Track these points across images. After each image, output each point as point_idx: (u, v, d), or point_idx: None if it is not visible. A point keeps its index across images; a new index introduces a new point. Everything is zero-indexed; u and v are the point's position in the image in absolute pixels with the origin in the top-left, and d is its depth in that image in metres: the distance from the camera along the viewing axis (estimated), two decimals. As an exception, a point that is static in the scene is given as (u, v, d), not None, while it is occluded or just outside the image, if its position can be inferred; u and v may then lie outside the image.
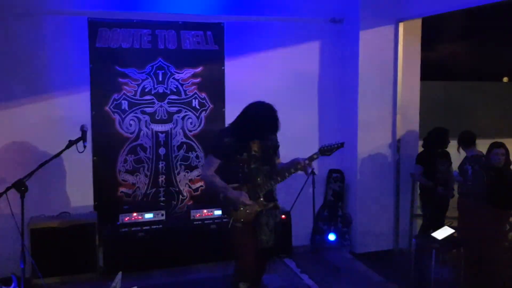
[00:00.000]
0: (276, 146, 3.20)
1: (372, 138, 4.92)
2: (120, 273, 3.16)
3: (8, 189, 3.22)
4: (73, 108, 4.37)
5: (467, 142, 4.50)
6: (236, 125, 3.09)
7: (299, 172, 3.08)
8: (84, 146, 3.55)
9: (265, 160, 3.09)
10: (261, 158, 3.08)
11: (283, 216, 4.45)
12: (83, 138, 3.57)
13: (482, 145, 4.45)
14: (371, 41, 4.82)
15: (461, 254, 3.92)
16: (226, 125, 4.56)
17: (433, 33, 5.25)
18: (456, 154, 4.77)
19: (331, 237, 4.90)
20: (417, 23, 5.08)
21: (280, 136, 3.37)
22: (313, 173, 4.68)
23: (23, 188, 3.36)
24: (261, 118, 2.97)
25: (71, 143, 3.47)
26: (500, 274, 3.82)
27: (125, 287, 3.17)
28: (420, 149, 4.94)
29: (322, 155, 3.04)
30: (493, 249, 3.89)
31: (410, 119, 5.12)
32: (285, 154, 3.31)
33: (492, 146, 4.14)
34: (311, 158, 3.01)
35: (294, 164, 3.04)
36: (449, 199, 4.74)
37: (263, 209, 3.03)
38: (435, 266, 3.82)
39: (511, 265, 3.93)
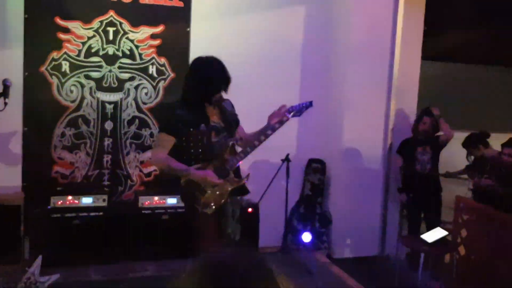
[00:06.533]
0: (237, 121, 3.10)
1: (361, 124, 4.76)
2: (40, 257, 3.15)
3: None
4: (1, 66, 4.02)
5: (485, 142, 4.50)
6: (183, 92, 2.98)
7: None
8: (5, 104, 3.37)
9: (229, 132, 3.00)
10: (224, 130, 2.98)
11: (249, 210, 4.37)
12: (4, 93, 3.40)
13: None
14: (366, 9, 4.66)
15: (455, 260, 3.78)
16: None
17: (439, 7, 4.99)
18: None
19: (306, 237, 4.65)
20: (421, -9, 4.95)
21: (255, 112, 3.23)
22: (287, 159, 4.45)
23: None
24: (206, 71, 2.87)
25: (-12, 99, 3.34)
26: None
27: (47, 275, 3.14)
28: None
29: (292, 116, 3.02)
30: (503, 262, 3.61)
31: (406, 103, 4.95)
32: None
33: (503, 145, 4.17)
34: (281, 121, 2.97)
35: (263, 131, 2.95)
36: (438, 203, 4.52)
37: (234, 188, 2.94)
38: (422, 273, 3.67)
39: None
